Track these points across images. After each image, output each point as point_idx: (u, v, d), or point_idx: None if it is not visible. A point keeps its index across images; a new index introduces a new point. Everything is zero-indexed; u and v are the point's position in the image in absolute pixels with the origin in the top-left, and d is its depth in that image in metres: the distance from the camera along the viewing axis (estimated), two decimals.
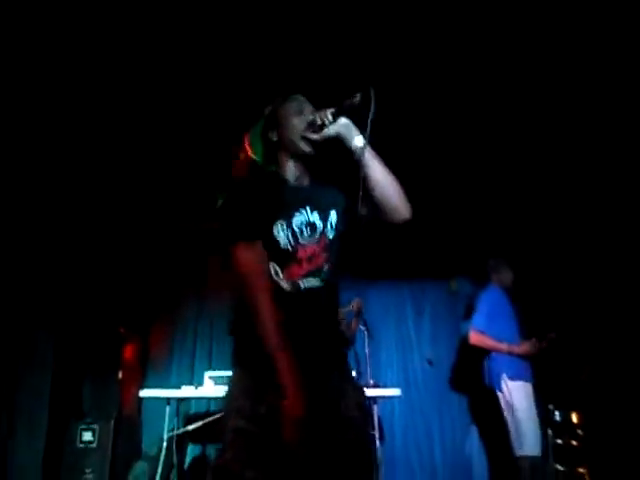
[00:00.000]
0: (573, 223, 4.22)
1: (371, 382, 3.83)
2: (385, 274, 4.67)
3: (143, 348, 4.51)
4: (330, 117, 1.49)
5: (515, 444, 3.22)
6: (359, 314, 3.90)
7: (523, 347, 3.35)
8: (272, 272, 1.47)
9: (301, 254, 1.50)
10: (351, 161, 1.49)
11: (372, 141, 1.46)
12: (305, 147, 1.55)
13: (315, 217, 1.55)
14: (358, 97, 1.43)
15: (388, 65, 3.09)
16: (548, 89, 3.29)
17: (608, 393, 3.79)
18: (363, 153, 1.46)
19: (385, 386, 3.89)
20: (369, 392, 3.65)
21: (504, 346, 3.35)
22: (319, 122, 1.50)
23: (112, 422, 3.69)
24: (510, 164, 3.95)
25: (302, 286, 1.49)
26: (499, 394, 3.37)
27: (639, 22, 2.72)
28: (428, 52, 3.02)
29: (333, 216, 1.59)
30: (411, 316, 4.73)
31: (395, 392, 3.67)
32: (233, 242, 1.45)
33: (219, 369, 4.12)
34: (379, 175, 1.50)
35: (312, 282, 1.50)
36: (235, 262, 1.44)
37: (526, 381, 3.33)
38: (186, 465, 4.26)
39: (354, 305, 3.81)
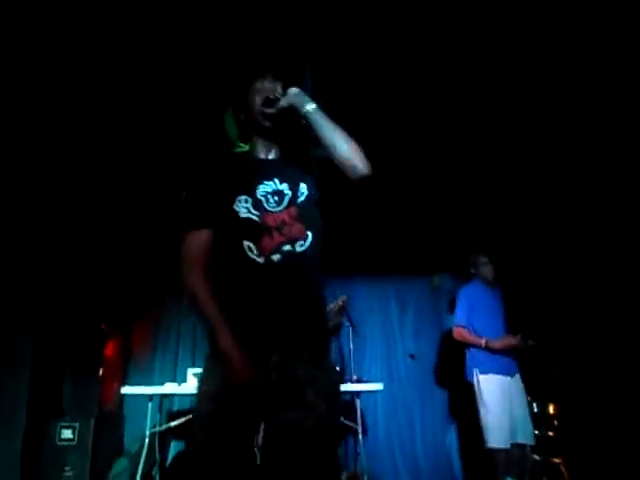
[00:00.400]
0: (553, 218, 4.31)
1: (354, 377, 3.87)
2: (369, 270, 4.71)
3: (125, 345, 4.45)
4: (280, 90, 1.60)
5: (484, 437, 3.33)
6: (344, 310, 3.93)
7: (501, 342, 3.42)
8: (245, 249, 1.48)
9: (269, 222, 1.51)
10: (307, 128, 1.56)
11: (322, 106, 1.57)
12: (264, 122, 1.63)
13: (284, 187, 1.59)
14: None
15: (378, 58, 3.12)
16: (529, 83, 3.33)
17: (584, 386, 3.90)
18: (314, 116, 1.54)
19: (369, 381, 3.93)
20: (352, 387, 3.70)
21: (482, 341, 3.43)
22: (272, 97, 1.60)
23: (92, 420, 3.63)
24: (492, 159, 4.00)
25: (275, 259, 1.47)
26: (473, 387, 3.47)
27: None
28: (422, 45, 3.04)
29: (303, 186, 1.61)
30: (395, 311, 4.78)
31: (378, 386, 3.72)
32: (179, 234, 1.54)
33: (202, 366, 4.09)
34: (332, 134, 1.55)
35: (288, 254, 1.48)
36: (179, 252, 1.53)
37: (501, 374, 3.39)
38: (168, 461, 4.23)
39: (340, 302, 3.84)
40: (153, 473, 3.80)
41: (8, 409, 3.63)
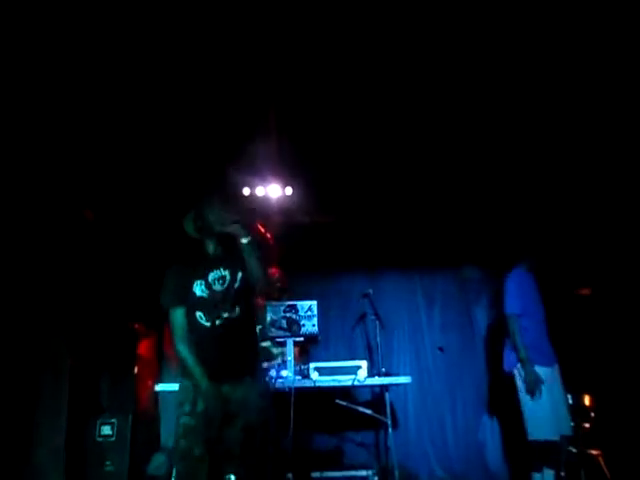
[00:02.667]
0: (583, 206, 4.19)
1: (383, 370, 3.86)
2: (395, 263, 4.69)
3: (158, 343, 4.57)
4: (229, 220, 2.30)
5: (527, 428, 3.24)
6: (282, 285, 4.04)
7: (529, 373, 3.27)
8: (197, 317, 2.29)
9: (216, 298, 2.31)
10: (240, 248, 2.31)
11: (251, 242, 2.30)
12: (214, 233, 2.37)
13: (226, 273, 2.35)
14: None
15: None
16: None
17: (620, 376, 3.78)
18: (245, 246, 2.28)
19: (397, 374, 3.92)
20: (381, 380, 3.69)
21: (522, 353, 3.29)
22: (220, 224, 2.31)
23: (130, 416, 3.76)
24: (521, 152, 3.93)
25: (217, 322, 2.29)
26: (514, 378, 3.38)
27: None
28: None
29: (240, 274, 2.36)
30: (422, 304, 4.74)
31: (406, 380, 3.70)
32: (165, 311, 2.37)
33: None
34: (252, 261, 2.29)
35: (226, 318, 2.29)
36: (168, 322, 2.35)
37: (543, 365, 3.29)
38: None
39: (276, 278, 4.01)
40: None
41: (51, 410, 3.80)
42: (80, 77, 3.13)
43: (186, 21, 2.85)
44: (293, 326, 3.67)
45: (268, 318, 4.08)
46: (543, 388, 3.24)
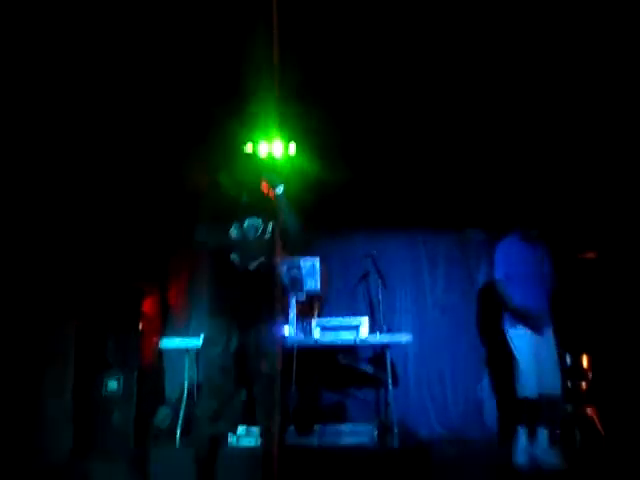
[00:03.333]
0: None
1: (384, 328, 3.90)
2: (399, 223, 4.66)
3: (162, 301, 4.63)
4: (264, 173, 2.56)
5: (516, 387, 3.45)
6: None
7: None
8: (232, 259, 2.43)
9: (250, 244, 2.47)
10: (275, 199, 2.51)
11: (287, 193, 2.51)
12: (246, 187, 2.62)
13: (259, 222, 2.51)
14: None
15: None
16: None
17: (617, 336, 3.82)
18: (279, 197, 2.51)
19: (399, 332, 3.96)
20: (382, 338, 3.73)
21: (511, 306, 3.51)
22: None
23: (135, 372, 3.84)
24: (528, 114, 3.86)
25: (250, 267, 2.45)
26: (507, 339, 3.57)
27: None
28: None
29: (271, 224, 2.52)
30: (425, 264, 4.74)
31: (407, 338, 3.74)
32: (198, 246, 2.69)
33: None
34: (286, 209, 2.51)
35: (257, 264, 2.45)
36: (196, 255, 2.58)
37: (528, 329, 3.46)
38: None
39: None
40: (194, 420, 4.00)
41: (58, 366, 3.89)
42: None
43: None
44: (295, 284, 3.69)
45: None
46: (528, 350, 3.43)
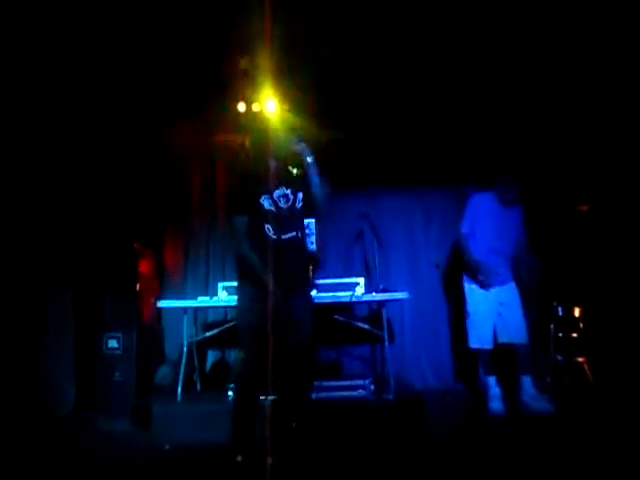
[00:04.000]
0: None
1: (380, 287, 3.94)
2: (393, 181, 4.64)
3: (158, 262, 4.65)
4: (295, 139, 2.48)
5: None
6: None
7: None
8: (266, 229, 2.42)
9: (282, 214, 2.46)
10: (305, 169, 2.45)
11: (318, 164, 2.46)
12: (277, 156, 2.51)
13: (288, 192, 2.49)
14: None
15: None
16: None
17: (609, 288, 3.88)
18: (310, 167, 2.44)
19: (394, 290, 4.02)
20: (378, 296, 3.78)
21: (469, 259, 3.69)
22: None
23: (134, 331, 3.88)
24: (516, 73, 3.82)
25: (283, 237, 2.45)
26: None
27: None
28: None
29: (300, 194, 2.51)
30: (419, 221, 4.76)
31: (403, 295, 3.79)
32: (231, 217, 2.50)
33: (233, 280, 4.24)
34: (317, 181, 2.46)
35: (289, 235, 2.45)
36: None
37: (480, 287, 3.65)
38: (207, 368, 4.54)
39: None
40: (194, 378, 4.09)
41: (59, 324, 3.94)
42: None
43: None
44: None
45: None
46: (482, 303, 3.63)
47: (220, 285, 4.12)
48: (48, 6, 3.20)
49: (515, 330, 3.56)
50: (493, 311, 3.61)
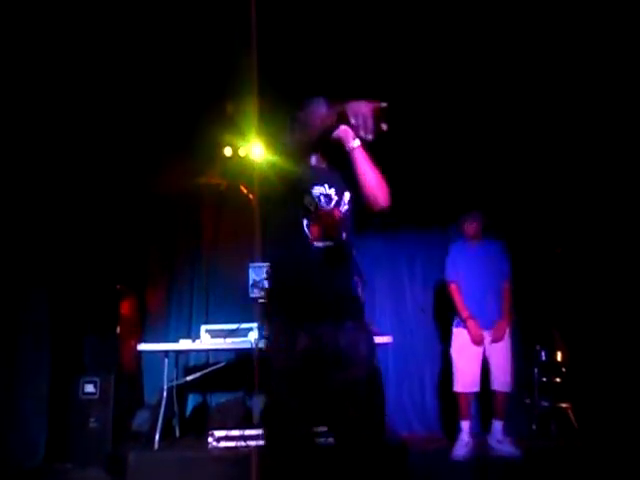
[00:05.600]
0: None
1: None
2: (380, 223, 4.68)
3: (140, 303, 4.58)
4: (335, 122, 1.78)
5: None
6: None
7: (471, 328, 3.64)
8: (304, 225, 1.83)
9: (320, 215, 1.85)
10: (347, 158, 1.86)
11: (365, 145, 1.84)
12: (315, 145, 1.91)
13: (331, 192, 1.91)
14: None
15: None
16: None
17: (591, 335, 3.91)
18: (354, 152, 1.84)
19: (379, 333, 3.99)
20: None
21: (463, 315, 3.69)
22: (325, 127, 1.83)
23: (112, 374, 3.79)
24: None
25: (320, 244, 1.81)
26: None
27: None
28: None
29: (347, 195, 1.93)
30: (404, 263, 4.77)
31: (387, 339, 3.77)
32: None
33: (215, 322, 4.20)
34: (366, 170, 1.86)
35: (328, 243, 1.82)
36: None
37: (484, 328, 3.65)
38: (187, 413, 4.42)
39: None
40: (173, 424, 3.97)
41: (33, 368, 3.82)
42: None
43: None
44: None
45: (250, 279, 4.10)
46: (467, 349, 3.63)
47: (203, 328, 4.07)
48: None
49: (500, 377, 3.58)
50: (480, 355, 3.62)
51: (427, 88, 3.78)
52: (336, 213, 1.88)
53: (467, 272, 3.76)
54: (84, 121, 3.92)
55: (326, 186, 1.91)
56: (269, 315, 1.97)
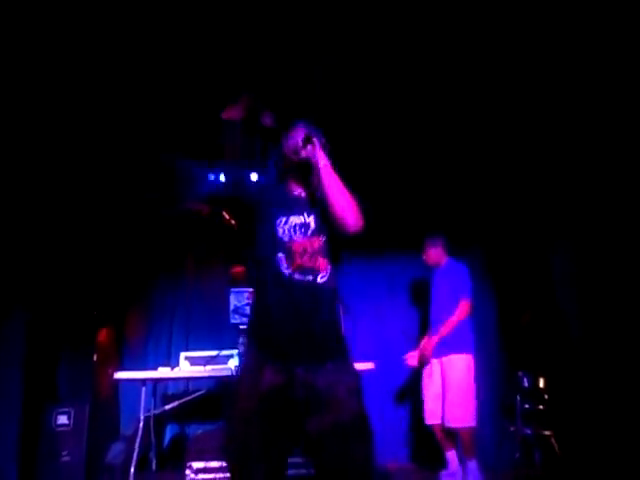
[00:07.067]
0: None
1: None
2: (357, 246, 4.66)
3: (118, 331, 4.48)
4: (300, 144, 1.83)
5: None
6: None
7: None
8: (278, 260, 1.73)
9: (295, 247, 1.75)
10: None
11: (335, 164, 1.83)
12: (291, 167, 1.90)
13: (310, 220, 1.82)
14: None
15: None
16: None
17: (572, 361, 3.92)
18: (322, 171, 1.78)
19: (360, 360, 3.94)
20: None
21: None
22: (294, 149, 1.85)
23: (87, 405, 3.67)
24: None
25: (297, 277, 1.72)
26: None
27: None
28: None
29: (315, 217, 1.83)
30: (385, 289, 4.74)
31: (369, 366, 3.73)
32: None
33: (195, 350, 4.13)
34: (334, 191, 1.77)
35: (307, 277, 1.72)
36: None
37: (435, 357, 3.58)
38: (165, 444, 4.29)
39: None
40: (149, 456, 3.85)
41: (4, 394, 3.68)
42: None
43: None
44: None
45: (231, 305, 4.05)
46: (426, 379, 3.60)
47: (182, 355, 3.99)
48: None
49: (456, 412, 3.35)
50: (439, 386, 3.50)
51: (406, 106, 3.78)
52: (314, 243, 1.77)
53: (431, 304, 3.73)
54: (62, 149, 3.87)
55: (305, 215, 1.82)
56: (245, 347, 1.93)
